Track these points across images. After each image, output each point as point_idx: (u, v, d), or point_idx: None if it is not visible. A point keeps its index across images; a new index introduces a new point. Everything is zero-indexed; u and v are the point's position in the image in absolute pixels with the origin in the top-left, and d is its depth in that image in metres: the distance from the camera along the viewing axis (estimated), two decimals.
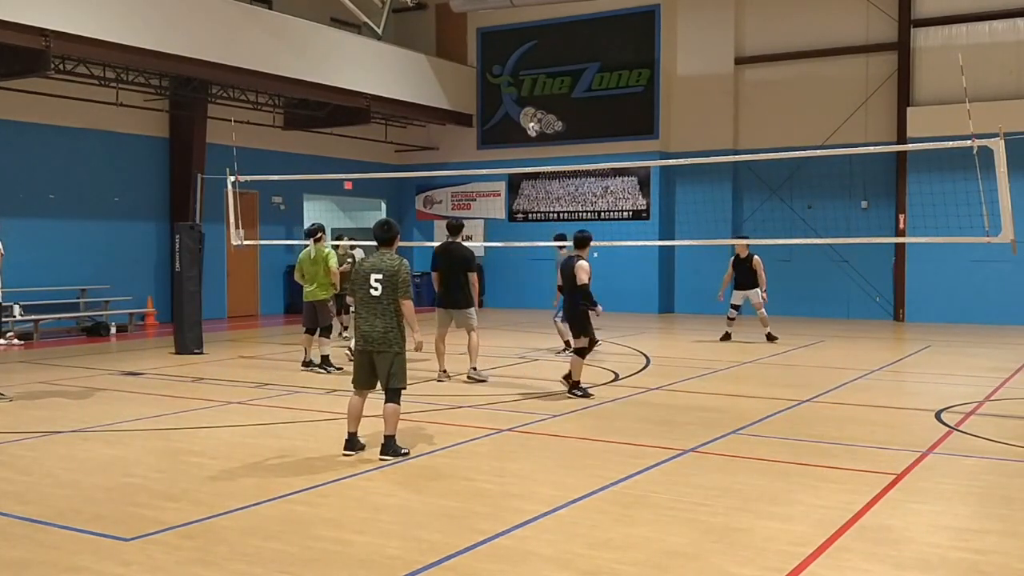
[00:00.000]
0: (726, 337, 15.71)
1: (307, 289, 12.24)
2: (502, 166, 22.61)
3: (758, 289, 15.58)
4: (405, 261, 7.31)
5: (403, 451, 7.16)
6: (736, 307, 15.95)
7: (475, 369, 11.21)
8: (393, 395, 7.17)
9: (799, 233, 20.13)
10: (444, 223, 12.07)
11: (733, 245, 16.15)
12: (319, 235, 12.32)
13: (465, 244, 11.65)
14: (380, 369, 7.16)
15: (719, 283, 22.06)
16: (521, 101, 24.25)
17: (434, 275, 11.59)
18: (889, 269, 20.56)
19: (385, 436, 7.15)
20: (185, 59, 16.78)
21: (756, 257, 15.62)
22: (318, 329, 12.21)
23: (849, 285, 20.91)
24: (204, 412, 9.29)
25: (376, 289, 7.12)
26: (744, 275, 15.70)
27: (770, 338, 15.51)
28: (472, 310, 11.37)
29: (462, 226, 12.05)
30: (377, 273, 7.14)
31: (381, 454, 7.08)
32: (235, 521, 5.54)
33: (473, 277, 11.36)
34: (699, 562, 4.84)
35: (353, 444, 7.26)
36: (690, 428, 8.38)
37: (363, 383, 7.30)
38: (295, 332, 18.20)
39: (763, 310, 15.71)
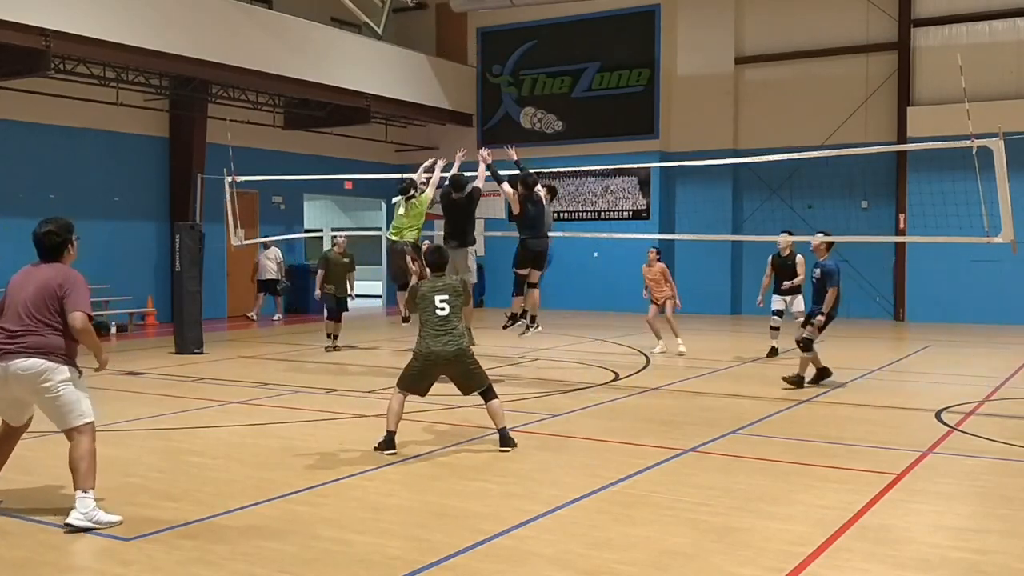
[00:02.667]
0: (772, 352, 13.91)
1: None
2: (502, 166, 22.57)
3: (801, 297, 13.62)
4: (463, 278, 7.94)
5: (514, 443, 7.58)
6: (779, 313, 13.93)
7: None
8: (489, 393, 7.62)
9: (799, 233, 20.08)
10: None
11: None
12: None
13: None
14: (464, 380, 7.62)
15: (718, 282, 22.30)
16: (521, 101, 24.25)
17: None
18: (889, 269, 20.56)
19: (499, 429, 7.57)
20: (185, 59, 16.77)
21: (800, 256, 13.79)
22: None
23: (849, 285, 20.85)
24: (204, 412, 9.30)
25: (443, 309, 7.55)
26: (786, 276, 13.81)
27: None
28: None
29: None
30: (442, 294, 7.58)
31: (501, 445, 7.51)
32: (235, 521, 5.55)
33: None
34: (699, 562, 4.84)
35: (393, 443, 7.34)
36: (690, 428, 8.38)
37: (417, 390, 7.61)
38: (295, 332, 18.23)
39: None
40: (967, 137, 8.92)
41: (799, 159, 19.47)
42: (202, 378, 11.59)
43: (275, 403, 9.73)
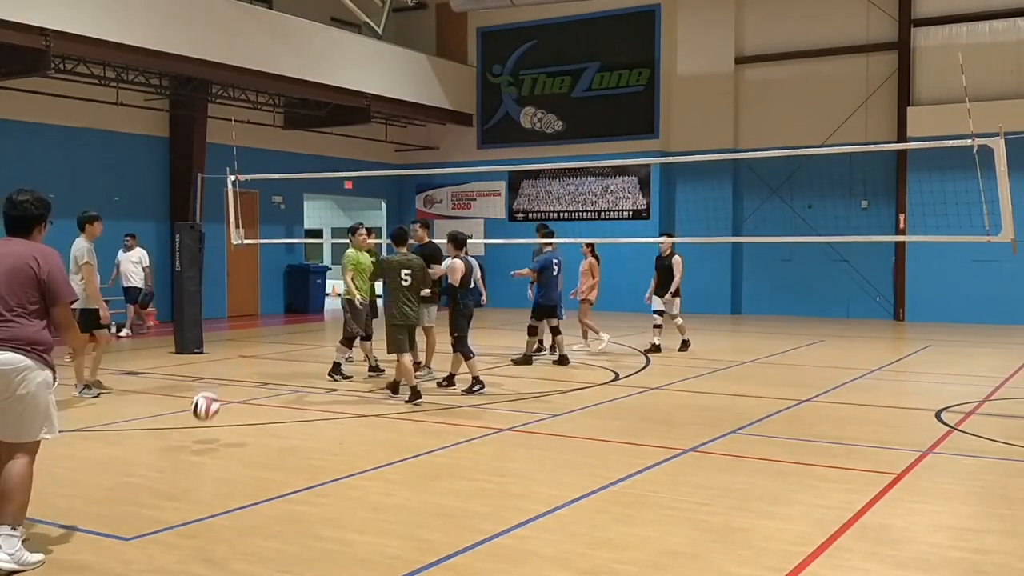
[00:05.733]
0: (654, 349, 14.15)
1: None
2: (502, 166, 22.61)
3: (670, 296, 14.16)
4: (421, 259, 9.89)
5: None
6: (660, 313, 14.30)
7: (429, 369, 11.40)
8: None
9: (799, 232, 20.12)
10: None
11: (671, 244, 14.51)
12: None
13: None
14: (413, 338, 10.08)
15: (719, 282, 22.31)
16: (521, 101, 24.25)
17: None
18: (889, 269, 20.56)
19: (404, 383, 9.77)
20: (185, 59, 16.77)
21: (677, 256, 14.19)
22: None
23: (849, 285, 20.91)
24: None
25: (407, 280, 9.64)
26: (663, 277, 14.24)
27: (685, 345, 14.35)
28: (432, 307, 11.41)
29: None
30: (406, 268, 9.66)
31: (408, 400, 9.44)
32: (235, 521, 5.54)
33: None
34: (699, 562, 4.84)
35: (419, 393, 9.46)
36: (690, 428, 8.38)
37: (408, 349, 9.72)
38: (295, 332, 18.23)
39: (679, 318, 14.31)
40: (967, 136, 8.91)
41: (799, 159, 19.57)
42: (202, 378, 11.58)
43: (275, 403, 9.73)
